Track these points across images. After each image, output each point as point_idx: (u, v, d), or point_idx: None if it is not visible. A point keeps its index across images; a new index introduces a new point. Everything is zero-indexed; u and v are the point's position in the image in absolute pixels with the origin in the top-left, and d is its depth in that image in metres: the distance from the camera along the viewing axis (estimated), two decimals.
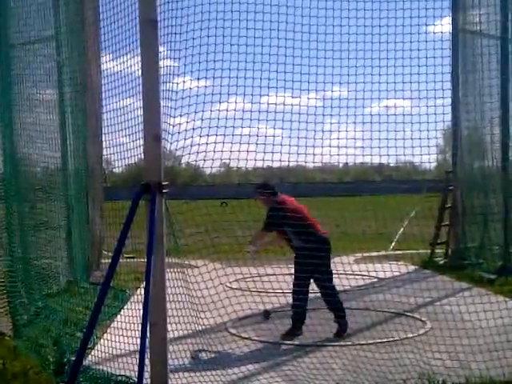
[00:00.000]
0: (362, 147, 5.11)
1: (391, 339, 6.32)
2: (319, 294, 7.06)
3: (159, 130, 4.17)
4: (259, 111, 4.80)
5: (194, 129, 4.53)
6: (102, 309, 4.36)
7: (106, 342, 5.85)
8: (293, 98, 4.95)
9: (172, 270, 4.67)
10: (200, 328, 5.09)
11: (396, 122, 4.98)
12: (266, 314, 7.04)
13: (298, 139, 4.85)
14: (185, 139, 4.48)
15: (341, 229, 13.43)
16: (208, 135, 4.56)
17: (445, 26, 5.80)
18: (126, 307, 6.95)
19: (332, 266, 6.95)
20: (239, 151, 4.66)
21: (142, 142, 4.26)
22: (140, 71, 4.22)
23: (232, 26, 4.62)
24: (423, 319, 7.21)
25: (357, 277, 8.80)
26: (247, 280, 7.07)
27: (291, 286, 6.82)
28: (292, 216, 6.54)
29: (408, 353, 5.65)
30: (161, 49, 4.27)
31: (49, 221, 8.94)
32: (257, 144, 4.72)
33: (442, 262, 11.84)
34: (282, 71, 4.82)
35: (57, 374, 5.36)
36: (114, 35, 5.15)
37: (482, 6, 11.07)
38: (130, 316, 5.52)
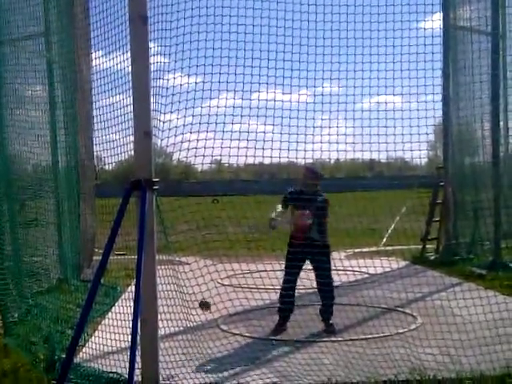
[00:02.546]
0: (354, 143, 5.11)
1: (382, 334, 6.34)
2: (310, 290, 7.06)
3: (150, 127, 4.16)
4: (250, 107, 4.80)
5: (184, 125, 4.52)
6: (93, 306, 4.34)
7: (96, 339, 5.84)
8: (284, 94, 4.95)
9: (163, 266, 4.67)
10: (191, 325, 5.08)
11: (387, 117, 4.98)
12: None
13: (289, 135, 4.86)
14: (175, 135, 4.47)
15: (332, 225, 13.44)
16: (199, 131, 4.56)
17: (436, 22, 5.80)
18: (116, 304, 6.92)
19: None
20: (230, 147, 4.67)
21: (132, 138, 4.25)
22: (130, 67, 4.21)
23: (222, 22, 4.62)
24: (414, 314, 7.23)
25: (348, 272, 8.83)
26: (238, 277, 7.06)
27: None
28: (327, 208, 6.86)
29: (399, 348, 5.66)
30: (151, 45, 4.26)
31: (39, 218, 8.90)
32: (248, 140, 4.72)
33: (433, 258, 11.88)
34: (272, 67, 4.82)
35: (47, 372, 5.34)
36: (104, 31, 5.13)
37: (473, 2, 11.11)
38: (120, 313, 5.50)
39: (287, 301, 6.80)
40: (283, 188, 7.15)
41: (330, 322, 6.83)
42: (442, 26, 10.57)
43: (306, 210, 6.72)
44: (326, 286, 6.83)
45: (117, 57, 4.93)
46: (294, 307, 6.89)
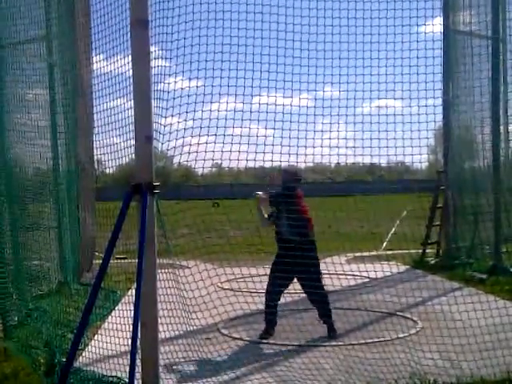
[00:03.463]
0: (354, 147, 5.12)
1: (383, 339, 6.33)
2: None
3: (151, 130, 4.16)
4: (251, 111, 4.80)
5: (185, 129, 4.53)
6: (93, 310, 4.34)
7: (96, 342, 5.83)
8: (284, 98, 4.96)
9: (163, 270, 4.66)
10: (191, 329, 5.08)
11: (387, 122, 4.99)
12: None
13: (290, 139, 4.85)
14: (176, 139, 4.48)
15: (333, 229, 13.46)
16: (200, 135, 4.56)
17: (436, 26, 5.82)
18: (117, 308, 6.92)
19: (324, 266, 6.95)
20: (231, 151, 4.66)
21: (133, 142, 4.25)
22: (131, 71, 4.21)
23: (224, 25, 4.63)
24: (414, 319, 7.23)
25: (348, 277, 8.82)
26: (239, 280, 7.06)
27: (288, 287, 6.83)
28: (297, 203, 6.63)
29: (399, 352, 5.65)
30: (152, 49, 4.26)
31: (39, 222, 8.90)
32: (248, 144, 4.72)
33: (433, 262, 11.87)
34: (273, 71, 4.83)
35: (47, 376, 5.33)
36: (105, 35, 5.15)
37: (473, 7, 11.12)
38: (121, 317, 5.50)
39: (271, 305, 6.78)
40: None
41: (333, 326, 6.81)
42: (442, 31, 10.59)
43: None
44: (316, 296, 6.77)
45: (118, 60, 4.94)
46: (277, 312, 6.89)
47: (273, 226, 6.89)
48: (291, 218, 6.55)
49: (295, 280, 6.86)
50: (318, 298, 6.76)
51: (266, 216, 6.94)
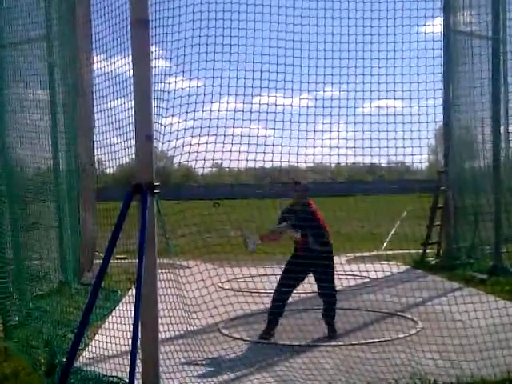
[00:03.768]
0: (354, 147, 5.13)
1: (383, 339, 6.33)
2: (310, 295, 7.07)
3: (151, 130, 4.16)
4: (251, 111, 4.80)
5: (185, 129, 4.54)
6: (94, 310, 4.34)
7: (97, 342, 5.83)
8: (285, 98, 4.96)
9: (164, 270, 4.67)
10: (192, 329, 5.08)
11: (388, 122, 5.00)
12: None
13: (290, 139, 4.86)
14: (177, 139, 4.48)
15: (333, 229, 13.46)
16: (200, 135, 4.56)
17: (436, 26, 5.83)
18: (117, 308, 6.92)
19: None
20: (231, 151, 4.66)
21: (133, 142, 4.25)
22: (132, 71, 4.21)
23: (224, 26, 4.63)
24: (415, 319, 7.23)
25: (349, 277, 8.82)
26: (239, 280, 7.06)
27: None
28: (317, 218, 6.76)
29: (400, 353, 5.66)
30: (152, 49, 4.26)
31: (40, 221, 8.90)
32: (249, 144, 4.72)
33: (433, 262, 11.87)
34: (274, 71, 4.84)
35: (48, 376, 5.33)
36: (106, 35, 5.15)
37: (474, 7, 11.14)
38: (121, 317, 5.49)
39: (280, 304, 6.79)
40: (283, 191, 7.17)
41: (334, 326, 6.82)
42: (442, 31, 10.61)
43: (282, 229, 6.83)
44: (327, 296, 6.82)
45: (118, 60, 4.94)
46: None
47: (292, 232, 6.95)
48: (314, 232, 6.68)
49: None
50: (329, 298, 6.81)
51: (278, 226, 6.99)
